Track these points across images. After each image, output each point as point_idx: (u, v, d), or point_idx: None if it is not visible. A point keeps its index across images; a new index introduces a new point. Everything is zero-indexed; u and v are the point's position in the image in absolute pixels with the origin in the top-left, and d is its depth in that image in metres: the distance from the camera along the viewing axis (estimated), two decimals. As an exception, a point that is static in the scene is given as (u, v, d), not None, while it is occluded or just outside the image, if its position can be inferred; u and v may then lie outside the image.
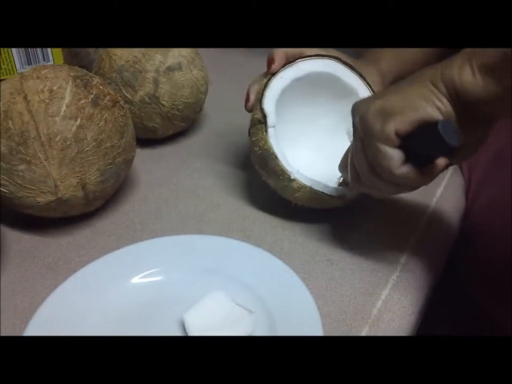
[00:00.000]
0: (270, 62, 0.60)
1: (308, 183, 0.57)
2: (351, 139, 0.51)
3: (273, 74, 0.60)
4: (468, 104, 0.41)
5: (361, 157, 0.47)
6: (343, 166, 0.54)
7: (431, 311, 0.56)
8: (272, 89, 0.59)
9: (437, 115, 0.42)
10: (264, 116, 0.58)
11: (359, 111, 0.47)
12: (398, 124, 0.43)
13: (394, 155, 0.44)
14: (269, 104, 0.58)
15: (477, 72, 0.39)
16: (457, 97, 0.41)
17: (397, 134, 0.43)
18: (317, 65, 0.61)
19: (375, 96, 0.48)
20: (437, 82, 0.41)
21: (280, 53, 0.59)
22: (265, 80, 0.60)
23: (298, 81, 0.61)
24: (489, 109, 0.42)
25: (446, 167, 0.44)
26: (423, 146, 0.43)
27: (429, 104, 0.42)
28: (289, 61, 0.60)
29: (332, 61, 0.62)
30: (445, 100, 0.42)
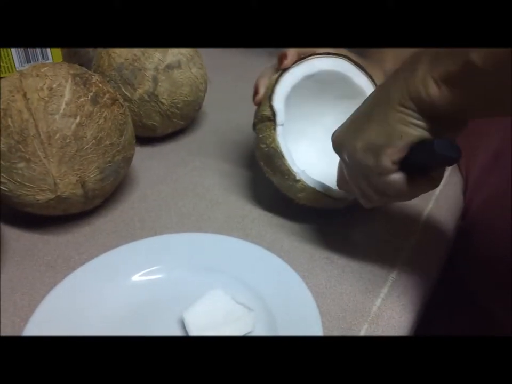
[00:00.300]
0: (282, 58, 0.59)
1: (313, 185, 0.57)
2: None
3: (285, 70, 0.59)
4: (438, 114, 0.41)
5: (365, 183, 0.48)
6: (343, 184, 0.53)
7: (430, 310, 0.56)
8: (283, 85, 0.58)
9: (420, 133, 0.42)
10: (274, 114, 0.57)
11: (345, 150, 0.48)
12: (391, 155, 0.43)
13: (399, 179, 0.45)
14: (278, 101, 0.58)
15: (441, 83, 0.39)
16: (427, 109, 0.41)
17: (393, 163, 0.44)
18: (328, 63, 0.60)
19: (352, 129, 0.48)
20: (406, 102, 0.41)
21: (292, 51, 0.59)
22: (276, 76, 0.59)
23: (307, 79, 0.60)
24: (460, 116, 0.42)
25: None
26: (424, 163, 0.44)
27: (409, 127, 0.42)
28: (301, 58, 0.59)
29: (343, 60, 0.61)
30: (419, 116, 0.42)
